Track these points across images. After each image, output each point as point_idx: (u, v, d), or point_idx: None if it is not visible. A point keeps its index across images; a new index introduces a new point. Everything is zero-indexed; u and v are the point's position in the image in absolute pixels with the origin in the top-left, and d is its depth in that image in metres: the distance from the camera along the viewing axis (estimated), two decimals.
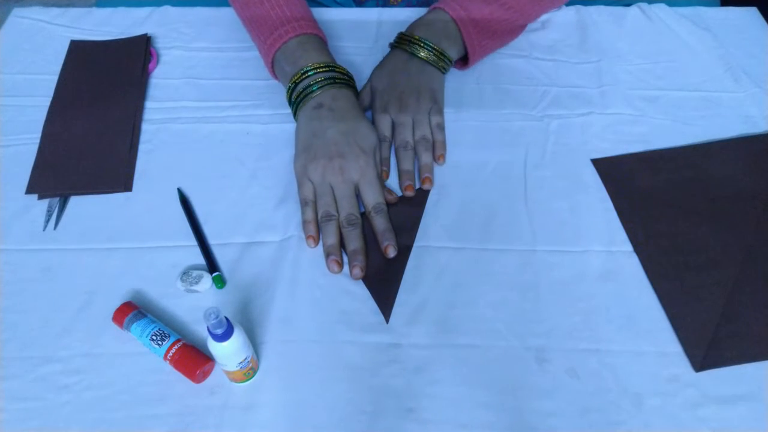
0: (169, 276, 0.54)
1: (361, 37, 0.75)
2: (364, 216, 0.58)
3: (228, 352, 0.44)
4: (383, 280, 0.54)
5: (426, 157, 0.62)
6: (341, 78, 0.62)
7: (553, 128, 0.66)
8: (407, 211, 0.59)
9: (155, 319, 0.51)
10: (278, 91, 0.67)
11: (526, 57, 0.73)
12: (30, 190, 0.61)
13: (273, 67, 0.66)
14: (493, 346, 0.50)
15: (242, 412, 0.47)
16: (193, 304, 0.53)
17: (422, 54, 0.65)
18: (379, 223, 0.57)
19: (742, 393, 0.47)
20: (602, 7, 0.78)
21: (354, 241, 0.55)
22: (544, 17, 0.76)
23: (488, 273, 0.55)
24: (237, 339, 0.44)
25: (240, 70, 0.72)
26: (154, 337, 0.48)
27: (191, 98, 0.69)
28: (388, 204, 0.59)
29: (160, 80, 0.71)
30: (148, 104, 0.68)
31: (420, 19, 0.69)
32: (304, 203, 0.58)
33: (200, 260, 0.56)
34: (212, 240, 0.57)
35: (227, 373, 0.47)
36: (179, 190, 0.61)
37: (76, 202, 0.60)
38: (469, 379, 0.49)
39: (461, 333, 0.51)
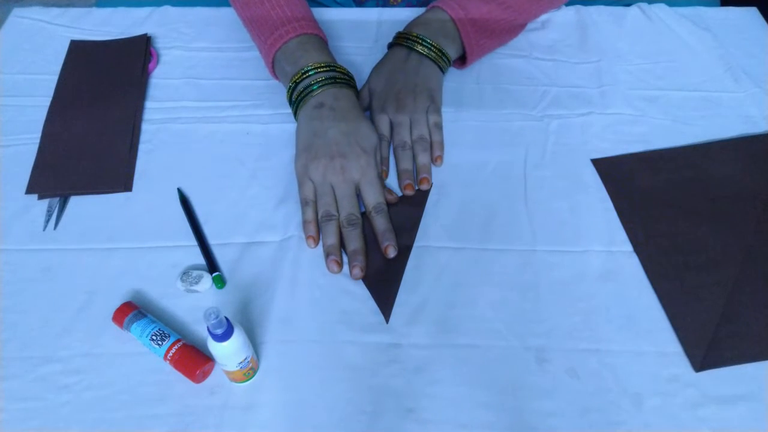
0: (169, 276, 0.54)
1: (361, 37, 0.75)
2: (365, 216, 0.58)
3: (228, 352, 0.44)
4: (383, 280, 0.54)
5: (423, 158, 0.62)
6: (342, 78, 0.62)
7: (553, 128, 0.66)
8: (407, 211, 0.59)
9: (155, 319, 0.51)
10: (278, 91, 0.67)
11: (525, 57, 0.73)
12: (30, 190, 0.61)
13: (273, 67, 0.66)
14: (493, 346, 0.50)
15: (242, 412, 0.47)
16: (193, 304, 0.53)
17: (420, 49, 0.65)
18: (380, 223, 0.57)
19: (742, 393, 0.47)
20: (602, 7, 0.78)
21: (354, 241, 0.55)
22: (543, 17, 0.76)
23: (488, 273, 0.55)
24: (237, 339, 0.44)
25: (240, 70, 0.72)
26: (154, 337, 0.48)
27: (191, 98, 0.69)
28: (389, 204, 0.59)
29: (160, 80, 0.71)
30: (148, 104, 0.69)
31: (418, 18, 0.69)
32: (304, 203, 0.58)
33: (200, 260, 0.56)
34: (212, 240, 0.57)
35: (227, 373, 0.47)
36: (179, 190, 0.61)
37: (76, 202, 0.60)
38: (469, 379, 0.49)
39: (461, 333, 0.51)
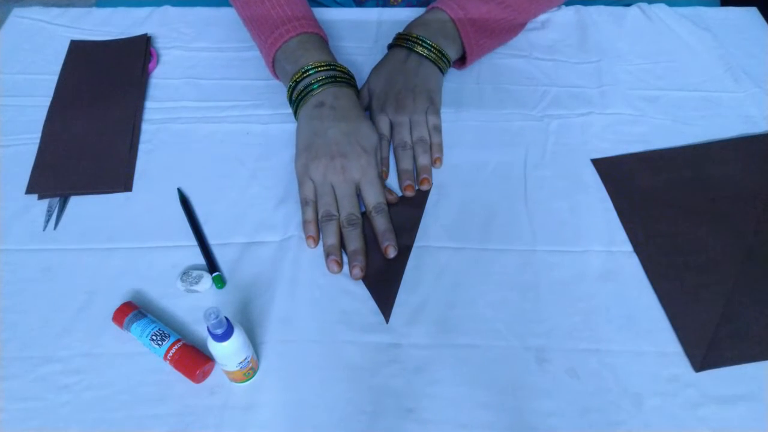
0: (169, 276, 0.54)
1: (361, 37, 0.75)
2: (365, 216, 0.58)
3: (228, 352, 0.44)
4: (383, 280, 0.54)
5: (423, 159, 0.62)
6: (342, 77, 0.62)
7: (553, 128, 0.66)
8: (407, 211, 0.59)
9: (155, 319, 0.51)
10: (278, 91, 0.67)
11: (525, 57, 0.73)
12: (30, 190, 0.61)
13: (274, 67, 0.66)
14: (493, 346, 0.50)
15: (242, 412, 0.47)
16: (193, 304, 0.53)
17: (420, 50, 0.65)
18: (380, 223, 0.57)
19: (742, 393, 0.47)
20: (602, 7, 0.78)
21: (354, 241, 0.55)
22: (543, 17, 0.76)
23: (488, 273, 0.55)
24: (237, 339, 0.44)
25: (240, 70, 0.72)
26: (154, 337, 0.48)
27: (191, 98, 0.69)
28: (389, 204, 0.59)
29: (160, 80, 0.71)
30: (148, 104, 0.69)
31: (418, 18, 0.69)
32: (304, 203, 0.58)
33: (200, 260, 0.56)
34: (212, 240, 0.57)
35: (227, 373, 0.47)
36: (179, 190, 0.61)
37: (76, 202, 0.60)
38: (469, 379, 0.49)
39: (461, 333, 0.51)
